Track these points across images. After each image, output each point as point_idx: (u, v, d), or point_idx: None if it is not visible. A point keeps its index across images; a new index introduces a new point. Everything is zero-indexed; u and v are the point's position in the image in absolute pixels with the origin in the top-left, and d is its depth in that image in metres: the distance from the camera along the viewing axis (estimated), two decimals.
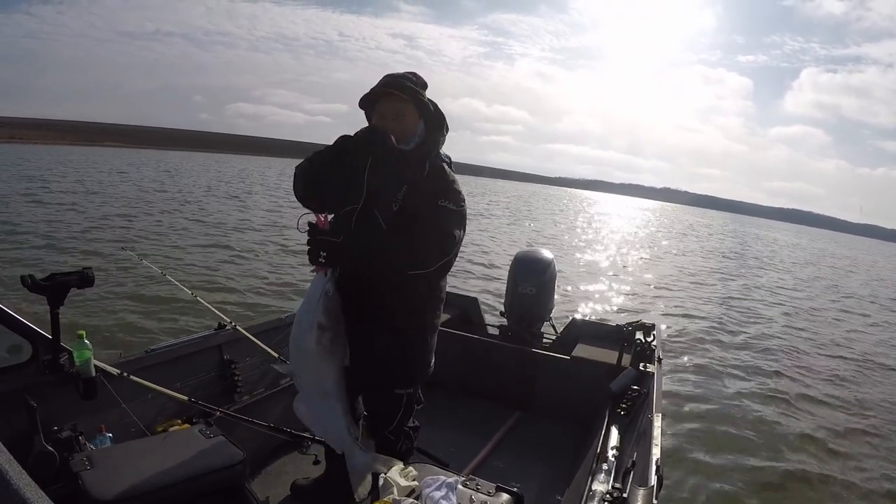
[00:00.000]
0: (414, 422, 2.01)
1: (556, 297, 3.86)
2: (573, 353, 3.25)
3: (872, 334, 10.65)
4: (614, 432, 2.31)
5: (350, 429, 1.63)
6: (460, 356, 3.37)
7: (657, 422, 2.16)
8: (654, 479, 1.71)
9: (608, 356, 3.11)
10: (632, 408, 2.54)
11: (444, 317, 3.59)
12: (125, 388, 2.04)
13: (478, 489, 1.53)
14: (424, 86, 1.75)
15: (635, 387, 2.68)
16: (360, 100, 1.74)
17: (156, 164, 40.10)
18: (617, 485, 1.76)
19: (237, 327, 2.65)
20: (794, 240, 59.85)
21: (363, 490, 1.60)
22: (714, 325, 8.95)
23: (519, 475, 2.58)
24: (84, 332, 1.92)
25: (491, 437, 2.97)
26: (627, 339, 3.14)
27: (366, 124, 1.74)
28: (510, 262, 3.90)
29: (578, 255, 15.92)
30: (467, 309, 3.98)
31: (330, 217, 1.68)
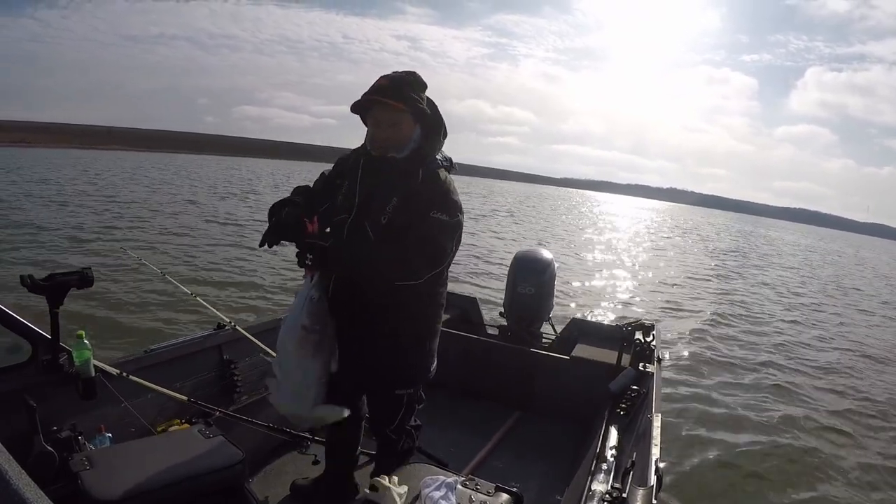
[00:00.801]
0: (416, 421, 2.02)
1: (555, 297, 3.86)
2: (573, 353, 3.25)
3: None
4: (614, 432, 2.31)
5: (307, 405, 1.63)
6: (460, 356, 3.37)
7: (657, 422, 2.16)
8: (653, 479, 1.71)
9: (608, 356, 3.11)
10: (631, 408, 2.54)
11: (444, 317, 3.58)
12: (125, 388, 2.04)
13: (477, 489, 1.53)
14: (423, 86, 1.68)
15: (635, 387, 2.68)
16: (353, 105, 1.67)
17: (163, 168, 40.14)
18: (616, 485, 1.76)
19: (237, 327, 2.65)
20: (803, 240, 59.40)
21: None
22: (715, 325, 8.95)
23: (518, 475, 2.58)
24: (83, 332, 1.92)
25: (490, 437, 2.97)
26: (627, 338, 3.14)
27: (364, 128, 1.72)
28: (509, 262, 3.90)
29: (581, 255, 15.91)
30: (467, 309, 3.98)
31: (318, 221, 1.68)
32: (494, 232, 18.95)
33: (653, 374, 2.81)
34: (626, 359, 3.02)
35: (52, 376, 1.90)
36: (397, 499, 1.47)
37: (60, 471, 1.63)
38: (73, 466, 1.58)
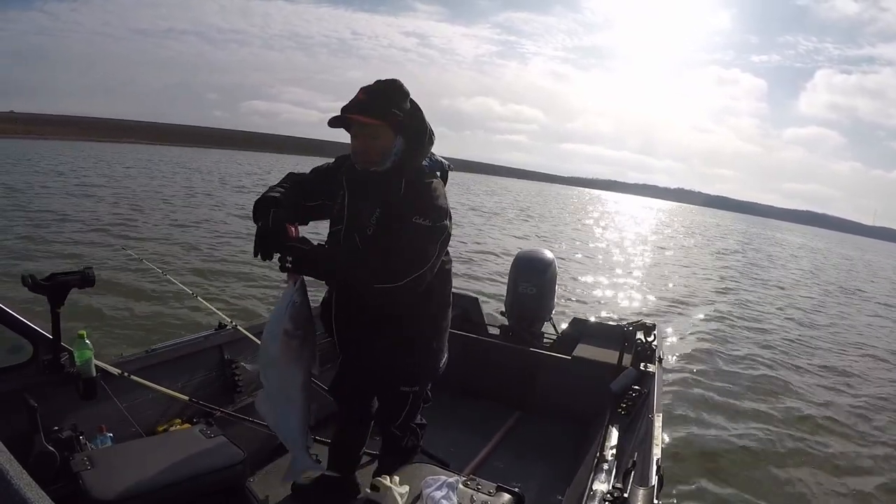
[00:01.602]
0: (421, 419, 2.02)
1: (556, 296, 3.86)
2: (574, 353, 3.25)
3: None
4: (615, 432, 2.31)
5: (304, 436, 1.65)
6: (461, 356, 3.35)
7: (658, 422, 2.16)
8: (654, 479, 1.71)
9: (609, 356, 3.11)
10: (632, 408, 2.54)
11: None
12: (126, 388, 2.04)
13: (478, 489, 1.53)
14: (405, 96, 1.67)
15: (636, 387, 2.67)
16: (330, 120, 1.65)
17: (174, 161, 40.16)
18: (618, 485, 1.76)
19: (238, 327, 2.64)
20: (809, 242, 58.91)
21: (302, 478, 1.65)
22: (717, 325, 8.95)
23: (519, 475, 2.57)
24: (84, 332, 1.92)
25: (491, 437, 2.96)
26: (628, 339, 3.13)
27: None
28: (511, 262, 3.90)
29: (583, 255, 15.90)
30: (468, 309, 3.98)
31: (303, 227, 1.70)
32: (502, 230, 18.95)
33: (654, 374, 2.81)
34: (627, 359, 3.02)
35: (53, 376, 1.90)
36: (399, 499, 1.47)
37: (61, 471, 1.63)
38: (73, 466, 1.58)
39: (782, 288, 15.21)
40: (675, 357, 6.66)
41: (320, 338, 1.67)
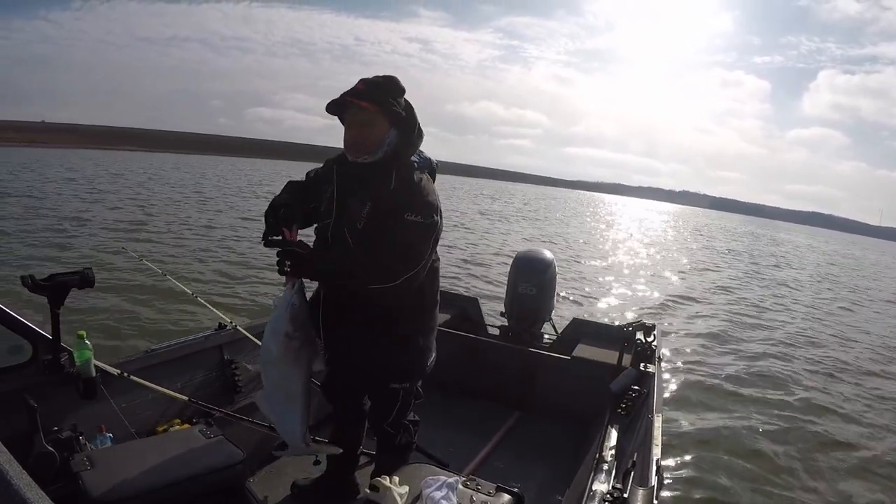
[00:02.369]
0: (413, 416, 2.02)
1: (556, 297, 3.86)
2: (573, 353, 3.25)
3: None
4: (615, 432, 2.31)
5: (306, 433, 1.67)
6: (460, 356, 3.37)
7: (657, 422, 2.16)
8: (654, 480, 1.71)
9: (608, 356, 3.11)
10: (632, 408, 2.54)
11: (445, 317, 3.59)
12: (125, 389, 2.04)
13: (478, 489, 1.53)
14: (401, 91, 1.69)
15: (636, 387, 2.67)
16: (328, 105, 1.67)
17: (177, 168, 40.20)
18: (617, 485, 1.76)
19: (238, 327, 2.65)
20: (815, 243, 58.55)
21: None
22: (717, 325, 8.95)
23: (519, 475, 2.57)
24: (84, 333, 1.92)
25: (491, 437, 2.96)
26: (628, 339, 3.13)
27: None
28: (510, 263, 3.90)
29: (584, 256, 15.90)
30: (467, 309, 3.98)
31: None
32: (503, 233, 18.96)
33: (654, 374, 2.81)
34: (626, 359, 3.02)
35: (52, 376, 1.90)
36: (398, 499, 1.47)
37: (61, 471, 1.63)
38: (73, 466, 1.58)
39: (785, 288, 15.20)
40: (675, 357, 6.66)
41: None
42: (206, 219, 14.29)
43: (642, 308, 9.66)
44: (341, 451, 1.84)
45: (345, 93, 1.64)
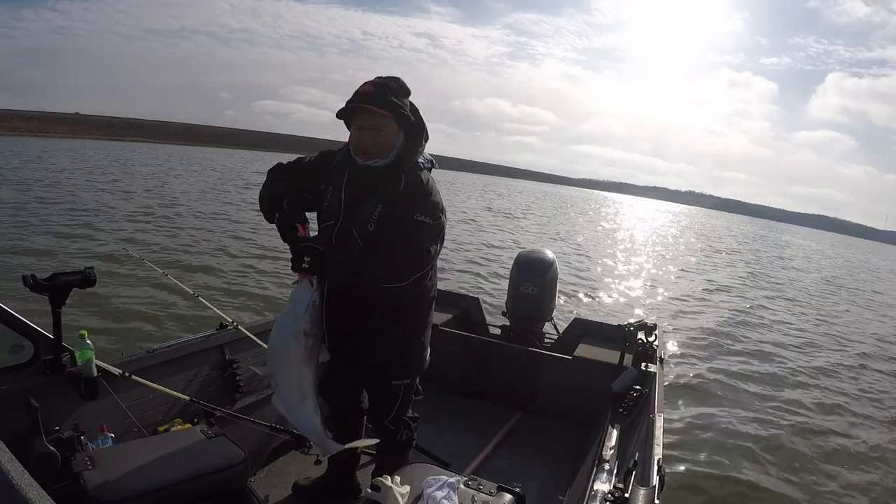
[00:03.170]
0: (413, 413, 2.03)
1: (557, 296, 3.86)
2: (575, 353, 3.24)
3: None
4: (616, 432, 2.31)
5: (324, 426, 1.69)
6: (462, 356, 3.37)
7: (659, 422, 2.16)
8: (655, 479, 1.71)
9: (610, 356, 3.11)
10: (633, 408, 2.53)
11: (446, 316, 3.59)
12: (127, 388, 2.04)
13: (479, 489, 1.53)
14: (407, 92, 1.70)
15: (637, 386, 2.67)
16: (339, 112, 1.68)
17: (183, 160, 40.27)
18: (619, 485, 1.76)
19: (239, 327, 2.65)
20: (818, 246, 58.16)
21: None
22: (718, 325, 8.94)
23: (520, 475, 2.57)
24: (86, 332, 1.92)
25: (492, 437, 2.96)
26: (629, 339, 3.13)
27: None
28: (511, 262, 3.90)
29: (586, 256, 15.88)
30: (469, 309, 3.98)
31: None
32: (509, 231, 18.95)
33: (655, 374, 2.80)
34: (628, 359, 3.02)
35: (54, 376, 1.90)
36: (399, 499, 1.46)
37: (62, 471, 1.63)
38: (74, 466, 1.58)
39: (787, 288, 15.18)
40: (676, 357, 6.66)
41: None
42: (208, 218, 14.27)
43: (644, 307, 9.66)
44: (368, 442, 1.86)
45: (356, 98, 1.64)
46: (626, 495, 1.67)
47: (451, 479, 1.53)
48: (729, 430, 4.81)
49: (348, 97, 1.67)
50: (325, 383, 2.00)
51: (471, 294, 4.26)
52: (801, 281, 18.23)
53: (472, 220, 20.90)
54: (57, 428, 1.79)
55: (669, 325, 8.38)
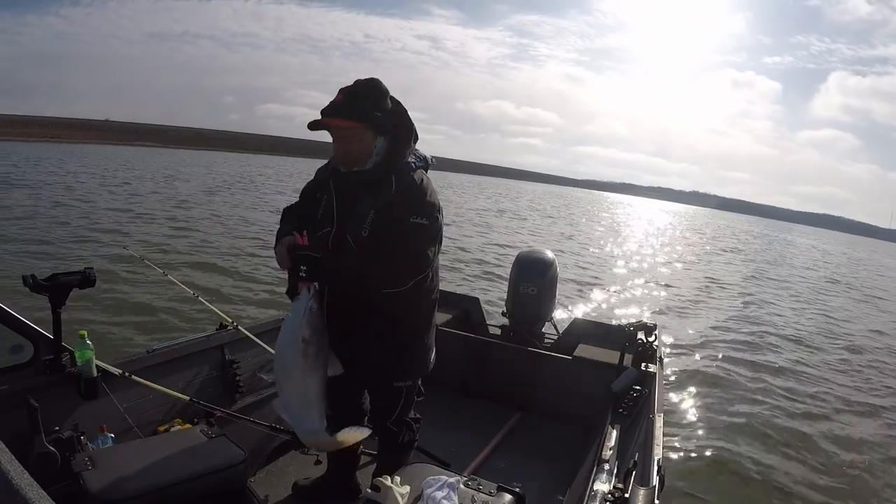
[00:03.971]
0: (415, 414, 2.03)
1: (557, 297, 3.86)
2: (574, 353, 3.24)
3: None
4: (616, 432, 2.31)
5: (325, 433, 1.68)
6: (462, 356, 3.37)
7: (659, 422, 2.16)
8: (655, 480, 1.71)
9: (610, 356, 3.11)
10: (633, 408, 2.53)
11: (446, 317, 3.60)
12: (127, 388, 2.04)
13: (479, 489, 1.53)
14: (384, 94, 1.66)
15: (637, 387, 2.67)
16: (308, 125, 1.63)
17: (184, 164, 40.33)
18: (619, 485, 1.76)
19: (239, 327, 2.65)
20: (822, 245, 57.95)
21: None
22: (718, 325, 8.94)
23: (520, 475, 2.57)
24: (86, 333, 1.92)
25: (492, 437, 2.96)
26: (629, 339, 3.13)
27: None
28: (511, 263, 3.90)
29: (586, 256, 15.88)
30: (469, 309, 3.98)
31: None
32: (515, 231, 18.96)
33: (655, 374, 2.80)
34: (628, 359, 3.02)
35: (53, 376, 1.90)
36: (399, 499, 1.46)
37: (62, 471, 1.63)
38: (74, 466, 1.58)
39: (787, 289, 15.18)
40: (676, 357, 6.66)
41: None
42: (208, 218, 14.28)
43: (643, 307, 9.66)
44: (340, 451, 1.85)
45: (324, 110, 1.62)
46: (626, 495, 1.67)
47: (451, 480, 1.53)
48: (729, 429, 4.81)
49: None
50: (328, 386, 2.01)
51: (470, 294, 4.26)
52: (805, 278, 18.23)
53: (484, 222, 20.94)
54: (57, 428, 1.79)
55: (670, 325, 8.38)
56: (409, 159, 1.71)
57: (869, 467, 4.51)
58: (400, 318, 1.76)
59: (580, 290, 10.40)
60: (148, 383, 2.05)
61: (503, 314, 3.89)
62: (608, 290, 10.98)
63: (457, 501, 1.46)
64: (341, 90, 1.64)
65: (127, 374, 2.02)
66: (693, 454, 4.29)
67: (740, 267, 18.96)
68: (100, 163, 31.89)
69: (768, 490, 3.96)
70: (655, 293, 11.32)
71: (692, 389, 5.69)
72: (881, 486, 4.24)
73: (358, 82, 1.65)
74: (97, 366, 1.92)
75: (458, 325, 3.71)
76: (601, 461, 2.01)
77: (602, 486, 1.81)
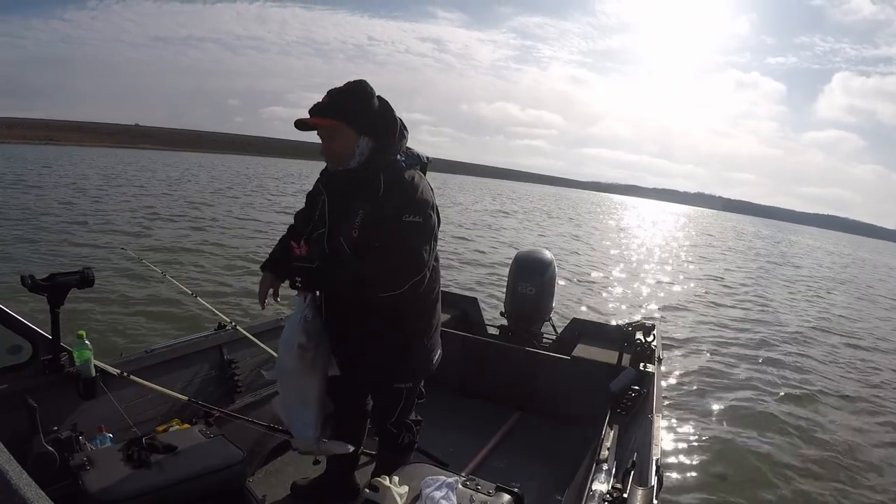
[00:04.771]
0: (416, 416, 2.03)
1: (556, 296, 3.86)
2: (573, 353, 3.24)
3: None
4: (614, 432, 2.31)
5: (318, 437, 1.71)
6: (460, 356, 3.37)
7: (657, 422, 2.16)
8: (653, 479, 1.71)
9: (608, 356, 3.11)
10: (632, 408, 2.54)
11: (444, 317, 3.59)
12: (125, 388, 2.04)
13: (478, 489, 1.53)
14: (369, 95, 1.67)
15: (635, 387, 2.67)
16: (295, 124, 1.67)
17: (185, 166, 40.32)
18: (617, 485, 1.76)
19: (237, 327, 2.64)
20: (826, 245, 58.05)
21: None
22: (717, 325, 8.94)
23: (519, 475, 2.57)
24: (84, 333, 1.92)
25: (491, 437, 2.96)
26: (627, 339, 3.13)
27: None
28: (510, 263, 3.90)
29: (587, 256, 15.89)
30: (467, 309, 3.98)
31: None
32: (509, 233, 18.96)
33: (653, 374, 2.81)
34: (626, 359, 3.02)
35: (52, 376, 1.90)
36: (398, 499, 1.46)
37: (61, 471, 1.63)
38: (73, 466, 1.58)
39: (784, 289, 15.19)
40: (675, 357, 6.66)
41: None
42: (208, 219, 14.26)
43: (644, 307, 9.67)
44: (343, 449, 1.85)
45: (309, 109, 1.66)
46: (625, 495, 1.67)
47: (450, 480, 1.53)
48: (728, 430, 4.81)
49: None
50: (329, 385, 2.01)
51: (469, 294, 4.26)
52: (807, 277, 18.24)
53: (488, 223, 20.94)
54: (55, 428, 1.79)
55: (669, 325, 8.38)
56: (399, 158, 1.71)
57: (869, 467, 4.52)
58: (399, 319, 1.75)
59: (579, 290, 10.41)
60: (146, 383, 2.05)
61: (502, 314, 3.89)
62: (609, 290, 11.00)
63: (455, 501, 1.46)
64: (329, 91, 1.67)
65: (125, 374, 2.02)
66: (692, 454, 4.29)
67: (741, 266, 18.98)
68: (99, 163, 31.80)
69: (768, 490, 3.96)
70: (655, 293, 11.32)
71: (691, 389, 5.69)
72: (882, 486, 4.25)
73: (346, 83, 1.68)
74: (96, 366, 1.92)
75: (456, 325, 3.71)
76: (600, 461, 2.01)
77: (601, 485, 1.82)
